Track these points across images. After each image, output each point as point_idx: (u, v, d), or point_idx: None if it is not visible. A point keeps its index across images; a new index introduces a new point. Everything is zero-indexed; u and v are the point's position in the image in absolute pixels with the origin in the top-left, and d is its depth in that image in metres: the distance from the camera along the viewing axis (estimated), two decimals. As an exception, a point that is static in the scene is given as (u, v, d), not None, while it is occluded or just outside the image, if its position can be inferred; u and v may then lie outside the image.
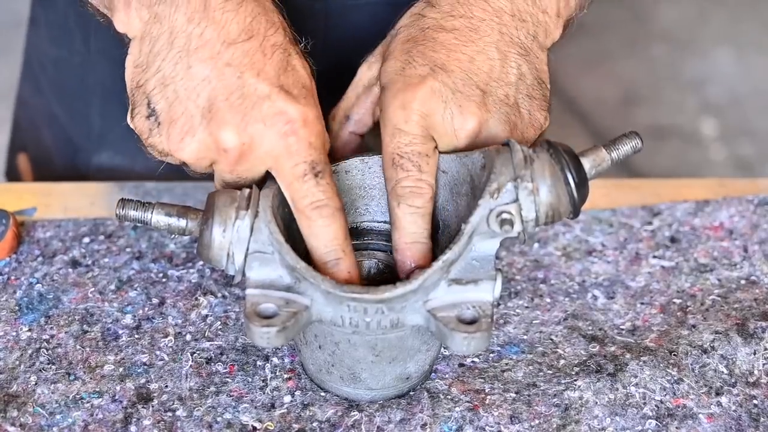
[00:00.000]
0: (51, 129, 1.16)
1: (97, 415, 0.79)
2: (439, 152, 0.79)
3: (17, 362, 0.82)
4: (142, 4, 0.77)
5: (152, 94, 0.77)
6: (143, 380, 0.81)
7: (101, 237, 0.93)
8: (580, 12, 0.86)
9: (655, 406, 0.80)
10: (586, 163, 0.78)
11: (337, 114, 0.88)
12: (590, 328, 0.87)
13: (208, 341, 0.84)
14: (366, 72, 0.88)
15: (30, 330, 0.85)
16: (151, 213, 0.77)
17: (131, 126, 0.79)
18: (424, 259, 0.77)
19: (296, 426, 0.78)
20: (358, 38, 0.98)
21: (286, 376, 0.82)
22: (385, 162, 0.78)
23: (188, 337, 0.85)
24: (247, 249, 0.74)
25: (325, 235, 0.75)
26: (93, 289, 0.89)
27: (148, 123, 0.77)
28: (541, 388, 0.82)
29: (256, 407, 0.80)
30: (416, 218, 0.78)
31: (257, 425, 0.78)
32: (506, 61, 0.80)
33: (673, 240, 0.96)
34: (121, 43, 0.80)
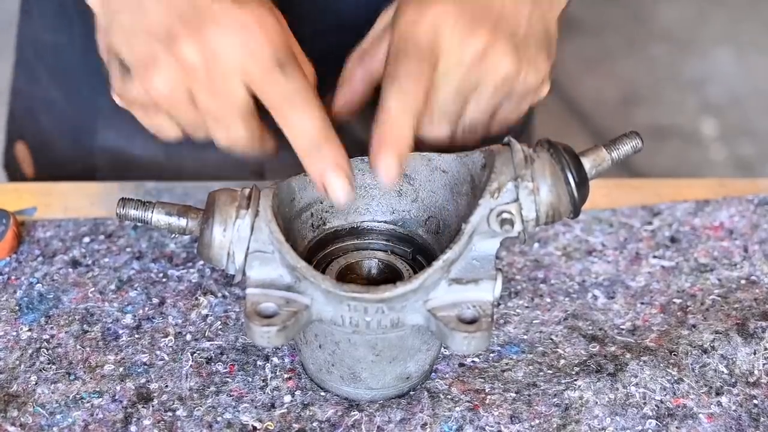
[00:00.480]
0: (50, 115, 1.17)
1: (97, 414, 0.79)
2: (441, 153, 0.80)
3: (17, 362, 0.82)
4: None
5: (119, 50, 0.78)
6: (143, 380, 0.81)
7: (101, 237, 0.93)
8: None
9: (655, 405, 0.80)
10: (587, 162, 0.78)
11: (353, 55, 0.88)
12: (590, 327, 0.87)
13: (208, 341, 0.84)
14: (384, 16, 0.87)
15: (30, 330, 0.85)
16: (152, 212, 0.78)
17: (115, 99, 0.80)
18: (399, 145, 0.75)
19: (296, 426, 0.78)
20: (340, 24, 0.98)
21: (286, 375, 0.82)
22: (389, 55, 0.78)
23: (188, 337, 0.85)
24: (248, 248, 0.74)
25: (301, 125, 0.74)
26: (93, 288, 0.89)
27: (124, 81, 0.79)
28: (541, 387, 0.82)
29: (256, 407, 0.80)
30: (406, 100, 0.75)
31: (257, 425, 0.78)
32: (519, 3, 0.80)
33: (673, 240, 0.96)
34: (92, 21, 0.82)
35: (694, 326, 0.87)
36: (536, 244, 0.95)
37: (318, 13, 1.03)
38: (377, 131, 0.76)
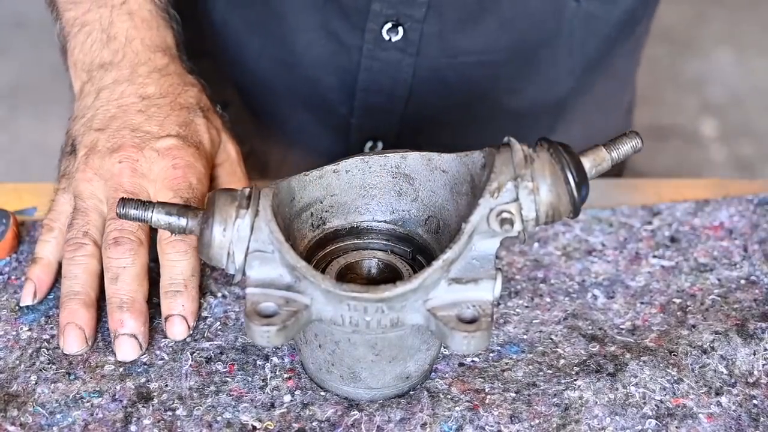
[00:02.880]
0: None
1: (97, 414, 0.79)
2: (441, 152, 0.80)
3: (17, 362, 0.82)
4: (83, 69, 0.93)
5: (76, 135, 0.90)
6: (143, 379, 0.81)
7: (101, 236, 0.93)
8: None
9: (655, 405, 0.80)
10: (586, 162, 0.78)
11: None
12: (590, 327, 0.87)
13: (208, 341, 0.84)
14: None
15: (30, 330, 0.85)
16: (152, 212, 0.78)
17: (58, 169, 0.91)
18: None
19: (296, 425, 0.78)
20: (445, 94, 1.07)
21: (285, 375, 0.82)
22: None
23: (188, 337, 0.85)
24: (248, 248, 0.74)
25: (174, 266, 0.83)
26: (93, 288, 0.89)
27: (67, 157, 0.90)
28: (541, 387, 0.82)
29: (255, 407, 0.80)
30: None
31: (257, 425, 0.78)
32: None
33: (673, 240, 0.96)
34: None
35: (693, 326, 0.87)
36: (536, 244, 0.95)
37: (416, 82, 1.11)
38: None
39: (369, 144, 1.14)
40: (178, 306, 0.83)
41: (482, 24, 1.04)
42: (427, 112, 1.11)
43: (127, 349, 0.81)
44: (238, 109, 1.17)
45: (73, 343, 0.82)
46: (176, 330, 0.83)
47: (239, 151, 0.94)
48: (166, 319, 0.83)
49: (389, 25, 1.03)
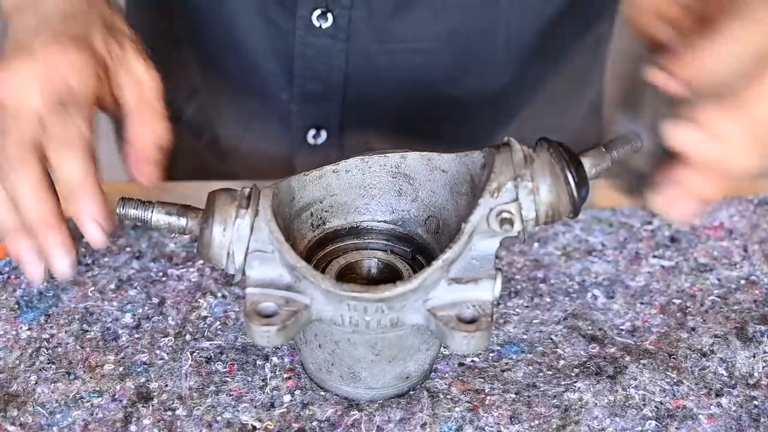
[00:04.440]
0: None
1: (97, 414, 0.79)
2: (441, 152, 0.80)
3: (17, 361, 0.82)
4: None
5: None
6: (143, 379, 0.81)
7: (101, 236, 0.93)
8: None
9: (655, 407, 0.80)
10: (586, 162, 0.78)
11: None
12: (590, 327, 0.87)
13: (208, 341, 0.84)
14: None
15: (30, 329, 0.85)
16: (152, 212, 0.78)
17: None
18: None
19: (296, 425, 0.78)
20: (379, 80, 1.05)
21: (285, 375, 0.82)
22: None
23: (188, 337, 0.85)
24: (248, 248, 0.74)
25: (67, 169, 0.76)
26: (93, 288, 0.89)
27: None
28: (541, 388, 0.82)
29: (255, 406, 0.80)
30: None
31: (257, 424, 0.78)
32: None
33: (673, 240, 0.96)
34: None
35: (693, 329, 0.87)
36: (536, 244, 0.95)
37: (350, 68, 1.08)
38: None
39: (312, 132, 1.14)
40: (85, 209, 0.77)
41: (413, 11, 1.04)
42: (366, 99, 1.11)
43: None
44: (204, 96, 1.17)
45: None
46: (90, 232, 0.78)
47: (154, 78, 0.86)
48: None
49: (318, 11, 1.04)
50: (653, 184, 0.72)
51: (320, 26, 1.05)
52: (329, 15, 1.04)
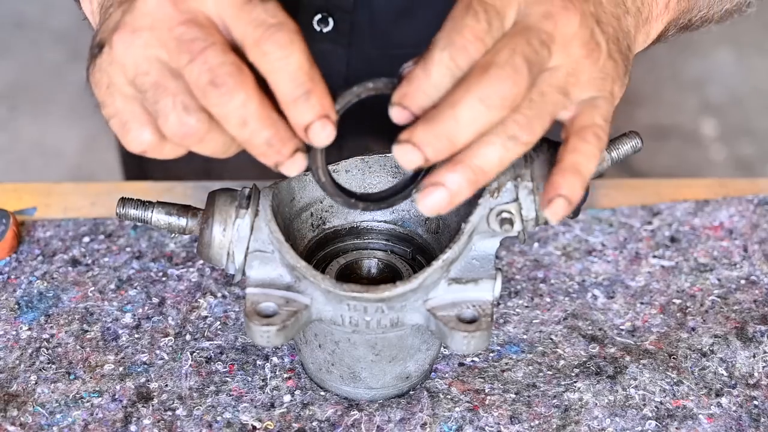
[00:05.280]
0: None
1: (97, 414, 0.79)
2: None
3: (17, 361, 0.82)
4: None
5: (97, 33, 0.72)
6: (143, 379, 0.81)
7: (101, 236, 0.93)
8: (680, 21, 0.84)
9: (655, 407, 0.80)
10: (586, 162, 0.78)
11: None
12: (590, 327, 0.87)
13: (208, 341, 0.84)
14: None
15: (30, 329, 0.85)
16: (152, 212, 0.77)
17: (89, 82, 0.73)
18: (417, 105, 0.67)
19: (296, 425, 0.78)
20: None
21: (285, 375, 0.82)
22: (458, 6, 0.68)
23: (188, 337, 0.85)
24: (248, 248, 0.74)
25: (286, 66, 0.65)
26: (93, 288, 0.89)
27: (95, 59, 0.70)
28: (541, 389, 0.81)
29: (255, 406, 0.80)
30: (445, 70, 0.66)
31: (257, 424, 0.78)
32: (622, 16, 0.75)
33: (673, 240, 0.96)
34: None
35: (693, 329, 0.87)
36: (536, 244, 0.95)
37: (350, 71, 1.05)
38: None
39: (318, 17, 1.13)
40: (315, 108, 0.66)
41: (416, 16, 1.04)
42: (367, 104, 1.10)
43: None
44: None
45: None
46: (322, 137, 0.66)
47: None
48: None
49: (319, 16, 1.04)
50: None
51: (321, 30, 1.05)
52: (330, 19, 1.04)
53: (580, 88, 0.69)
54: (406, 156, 0.65)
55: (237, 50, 0.66)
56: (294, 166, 0.66)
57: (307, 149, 0.67)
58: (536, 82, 0.67)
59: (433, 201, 0.66)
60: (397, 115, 0.67)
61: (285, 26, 0.65)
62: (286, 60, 0.65)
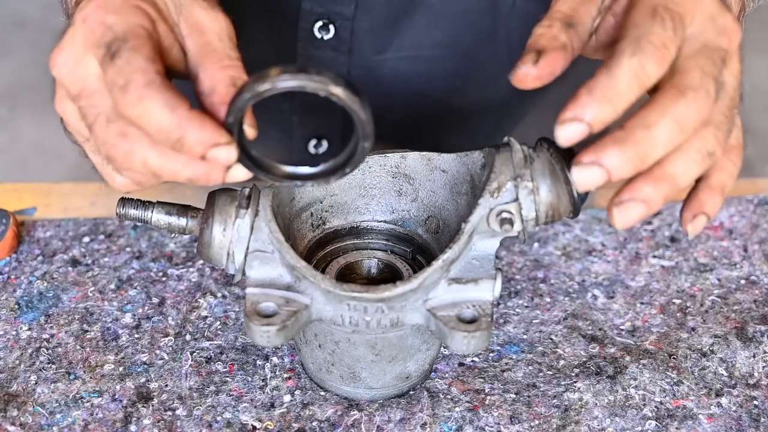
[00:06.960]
0: None
1: (97, 414, 0.79)
2: (441, 152, 0.80)
3: (17, 361, 0.82)
4: None
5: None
6: (143, 379, 0.81)
7: (101, 236, 0.93)
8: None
9: (655, 407, 0.80)
10: (587, 162, 0.78)
11: (554, 21, 0.75)
12: (590, 327, 0.87)
13: (208, 341, 0.84)
14: None
15: (30, 329, 0.85)
16: (152, 212, 0.77)
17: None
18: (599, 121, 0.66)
19: (296, 425, 0.78)
20: (382, 92, 1.03)
21: (285, 375, 0.82)
22: (640, 11, 0.68)
23: (188, 337, 0.85)
24: (248, 248, 0.74)
25: (147, 124, 0.64)
26: (93, 288, 0.89)
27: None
28: (541, 389, 0.82)
29: (255, 406, 0.80)
30: (633, 79, 0.65)
31: (257, 424, 0.78)
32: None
33: (673, 240, 0.96)
34: None
35: (693, 329, 0.87)
36: (536, 244, 0.95)
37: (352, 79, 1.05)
38: (591, 90, 0.65)
39: (313, 142, 1.13)
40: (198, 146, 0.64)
41: (414, 18, 1.04)
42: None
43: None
44: None
45: None
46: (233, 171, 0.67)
47: (217, 19, 0.75)
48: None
49: (320, 23, 1.04)
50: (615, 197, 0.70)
51: (322, 38, 1.05)
52: (331, 27, 1.04)
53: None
54: (589, 177, 0.64)
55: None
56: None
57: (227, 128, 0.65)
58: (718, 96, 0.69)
59: (632, 216, 0.66)
60: (571, 133, 0.65)
61: (132, 84, 0.64)
62: (145, 119, 0.64)
